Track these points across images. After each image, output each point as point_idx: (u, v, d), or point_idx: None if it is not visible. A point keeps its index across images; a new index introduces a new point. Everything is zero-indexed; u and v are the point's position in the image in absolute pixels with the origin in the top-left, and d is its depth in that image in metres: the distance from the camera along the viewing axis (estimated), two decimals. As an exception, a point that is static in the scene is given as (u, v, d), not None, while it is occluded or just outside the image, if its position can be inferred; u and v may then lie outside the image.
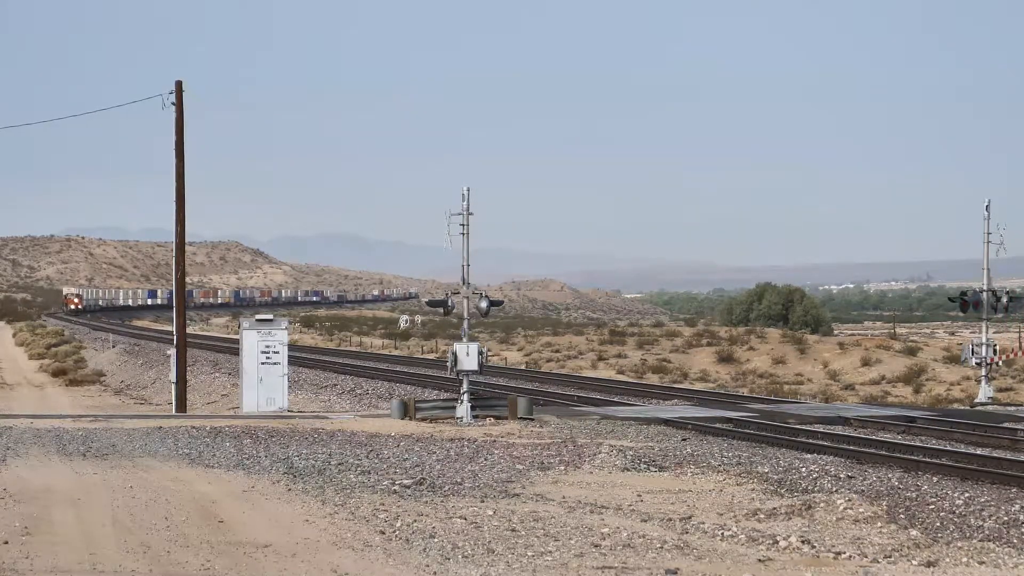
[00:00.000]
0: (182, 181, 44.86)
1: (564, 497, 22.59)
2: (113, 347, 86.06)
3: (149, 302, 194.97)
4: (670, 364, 77.32)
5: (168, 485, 22.91)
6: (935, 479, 24.43)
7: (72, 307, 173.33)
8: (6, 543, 17.53)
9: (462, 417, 36.47)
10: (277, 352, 41.09)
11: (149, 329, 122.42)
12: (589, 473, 26.14)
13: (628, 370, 74.45)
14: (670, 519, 20.50)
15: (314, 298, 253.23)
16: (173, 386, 44.45)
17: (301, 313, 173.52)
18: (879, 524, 20.27)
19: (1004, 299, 46.47)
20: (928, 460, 26.71)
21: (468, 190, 36.99)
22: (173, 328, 46.21)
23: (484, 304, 37.20)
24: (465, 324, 37.75)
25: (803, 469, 25.73)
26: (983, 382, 46.15)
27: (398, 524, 19.18)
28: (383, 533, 18.57)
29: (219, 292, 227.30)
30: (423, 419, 36.54)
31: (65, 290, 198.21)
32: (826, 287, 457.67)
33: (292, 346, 53.78)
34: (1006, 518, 20.40)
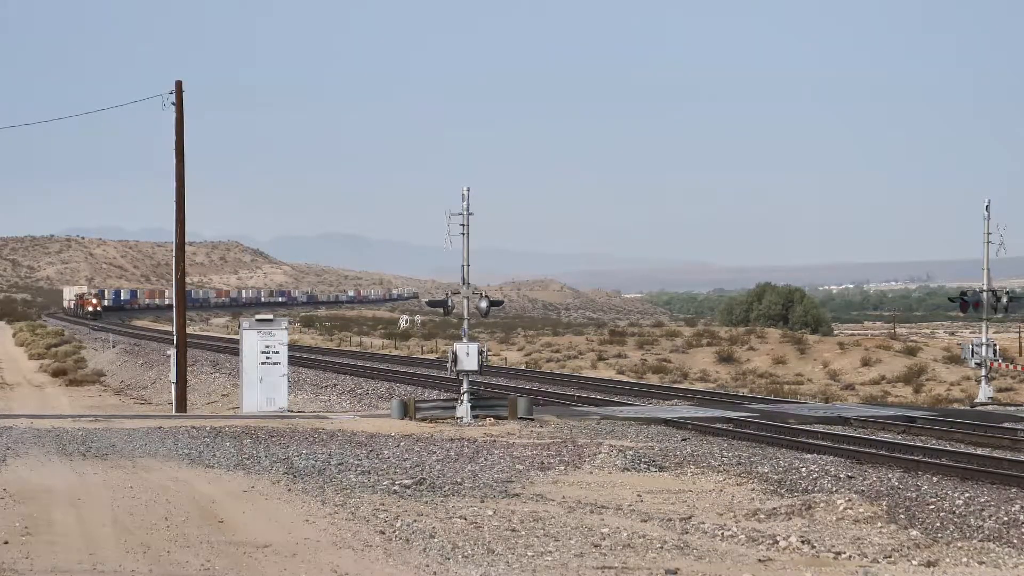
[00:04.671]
0: (182, 181, 44.85)
1: (564, 497, 22.58)
2: (113, 347, 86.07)
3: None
4: (670, 364, 77.32)
5: (168, 485, 22.90)
6: (935, 479, 24.42)
7: (90, 309, 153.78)
8: (6, 543, 17.52)
9: (462, 417, 36.46)
10: (277, 352, 41.08)
11: (149, 329, 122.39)
12: (589, 473, 26.13)
13: (628, 370, 74.45)
14: (670, 519, 20.50)
15: (280, 298, 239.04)
16: (173, 386, 44.46)
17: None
18: (879, 524, 20.27)
19: (1004, 299, 46.45)
20: (928, 460, 26.70)
21: (468, 190, 37.00)
22: (173, 328, 46.22)
23: (484, 304, 37.20)
24: (465, 324, 37.74)
25: (803, 469, 25.72)
26: (983, 382, 46.14)
27: (398, 524, 19.18)
28: (383, 533, 18.56)
29: (165, 293, 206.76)
30: (423, 419, 36.54)
31: (74, 290, 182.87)
32: (826, 287, 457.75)
33: (292, 346, 53.79)
34: (1006, 518, 20.39)
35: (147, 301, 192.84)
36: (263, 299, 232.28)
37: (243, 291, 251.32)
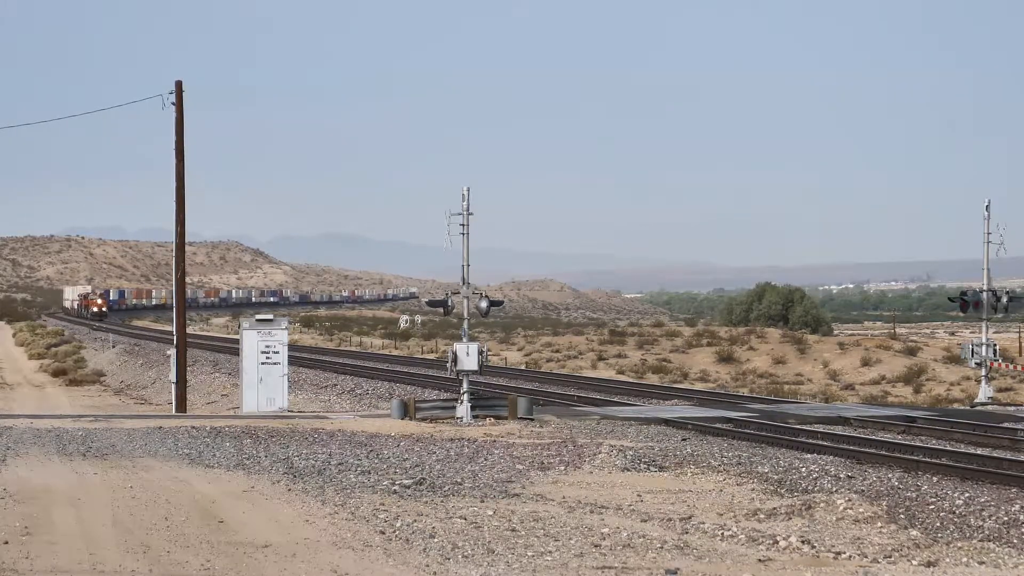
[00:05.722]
0: (182, 181, 44.85)
1: (564, 497, 22.58)
2: (113, 347, 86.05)
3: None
4: (670, 364, 77.31)
5: (168, 485, 22.91)
6: (935, 479, 24.44)
7: (95, 310, 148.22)
8: (6, 543, 17.52)
9: (462, 417, 36.46)
10: (277, 352, 41.10)
11: (149, 329, 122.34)
12: (589, 473, 26.13)
13: (628, 370, 74.44)
14: (670, 519, 20.50)
15: (271, 298, 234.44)
16: (173, 386, 44.45)
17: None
18: (879, 524, 20.27)
19: (1004, 299, 46.47)
20: (928, 460, 26.71)
21: (468, 190, 37.01)
22: (173, 328, 46.21)
23: (484, 304, 37.21)
24: (465, 324, 37.75)
25: (803, 469, 25.73)
26: (983, 382, 46.14)
27: (398, 524, 19.18)
28: (383, 533, 18.56)
29: (152, 292, 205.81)
30: (423, 419, 36.54)
31: (78, 290, 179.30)
32: (826, 287, 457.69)
33: (292, 346, 53.78)
34: (1006, 518, 20.40)
35: (135, 301, 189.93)
36: (254, 299, 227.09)
37: (232, 291, 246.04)
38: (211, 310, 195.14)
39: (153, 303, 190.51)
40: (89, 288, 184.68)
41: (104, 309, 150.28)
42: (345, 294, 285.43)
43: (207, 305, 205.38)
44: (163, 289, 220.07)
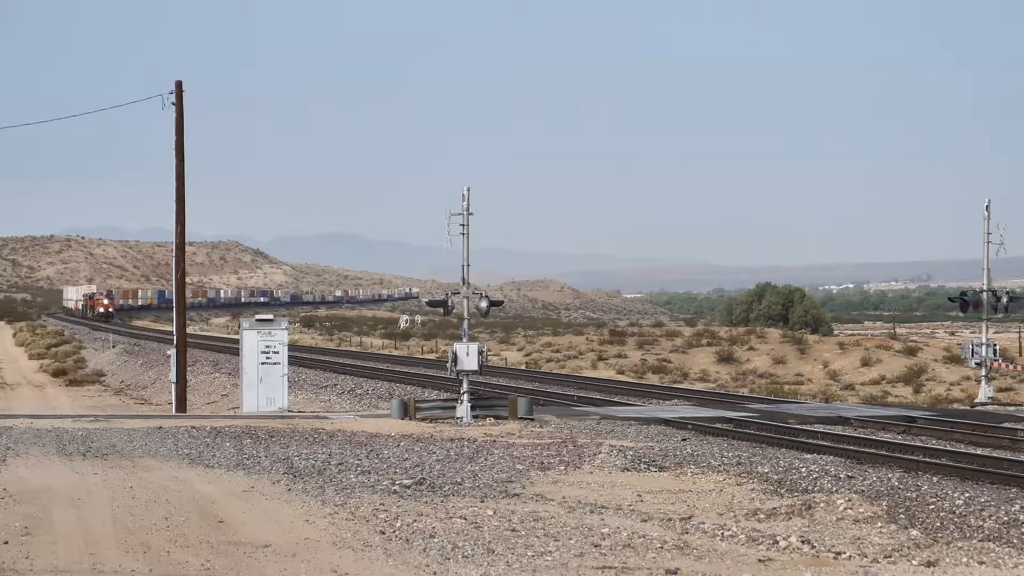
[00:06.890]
0: (182, 181, 44.85)
1: (564, 497, 22.58)
2: (113, 347, 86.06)
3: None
4: (670, 364, 77.31)
5: (168, 485, 22.90)
6: (935, 479, 24.43)
7: (101, 311, 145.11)
8: (6, 543, 17.52)
9: (462, 417, 36.46)
10: (277, 352, 41.10)
11: (149, 329, 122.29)
12: (589, 473, 26.13)
13: (628, 370, 74.43)
14: (670, 519, 20.50)
15: (262, 298, 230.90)
16: (173, 386, 44.46)
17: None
18: (879, 524, 20.27)
19: (1004, 299, 46.50)
20: (928, 460, 26.71)
21: (468, 190, 37.02)
22: (173, 328, 46.21)
23: (484, 304, 37.21)
24: (465, 324, 37.75)
25: (803, 469, 25.73)
26: (983, 382, 46.14)
27: (398, 524, 19.18)
28: (383, 533, 18.56)
29: (139, 292, 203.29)
30: (423, 419, 36.55)
31: (81, 290, 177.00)
32: (826, 287, 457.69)
33: (292, 346, 53.76)
34: (1006, 518, 20.40)
35: (121, 302, 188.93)
36: (243, 299, 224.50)
37: (220, 291, 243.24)
38: (198, 310, 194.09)
39: (139, 303, 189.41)
40: (94, 288, 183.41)
41: (111, 310, 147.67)
42: (338, 294, 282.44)
43: (194, 305, 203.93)
44: (148, 290, 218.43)
